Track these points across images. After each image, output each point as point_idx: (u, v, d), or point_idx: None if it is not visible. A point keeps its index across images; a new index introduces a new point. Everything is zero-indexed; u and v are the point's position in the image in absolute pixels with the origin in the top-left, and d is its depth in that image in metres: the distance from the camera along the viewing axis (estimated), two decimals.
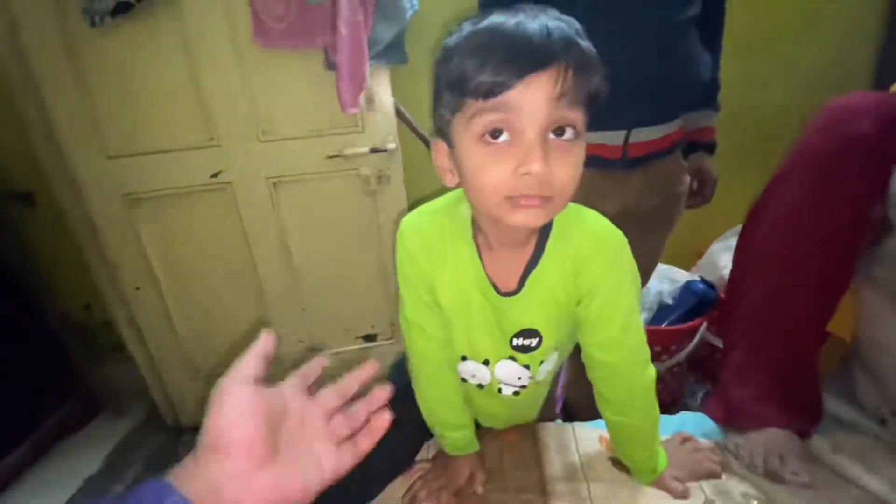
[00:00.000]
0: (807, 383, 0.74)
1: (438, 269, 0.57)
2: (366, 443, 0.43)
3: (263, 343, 0.41)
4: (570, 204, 0.54)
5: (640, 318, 0.59)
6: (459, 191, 0.56)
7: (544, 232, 0.55)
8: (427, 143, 1.33)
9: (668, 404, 1.45)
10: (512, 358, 0.62)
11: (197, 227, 1.29)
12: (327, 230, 1.36)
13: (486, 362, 0.63)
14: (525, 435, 0.72)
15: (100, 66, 1.12)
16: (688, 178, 1.02)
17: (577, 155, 0.45)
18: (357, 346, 1.55)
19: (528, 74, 0.41)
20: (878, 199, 0.68)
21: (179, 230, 1.29)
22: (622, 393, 0.59)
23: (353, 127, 1.25)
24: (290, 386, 0.42)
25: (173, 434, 1.49)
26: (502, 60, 0.41)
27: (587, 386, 0.61)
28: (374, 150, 1.26)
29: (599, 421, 0.74)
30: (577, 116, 0.44)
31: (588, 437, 0.70)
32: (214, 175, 1.24)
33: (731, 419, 0.73)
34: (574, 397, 1.31)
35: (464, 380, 0.67)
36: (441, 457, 0.69)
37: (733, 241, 1.50)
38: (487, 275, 0.57)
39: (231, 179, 1.25)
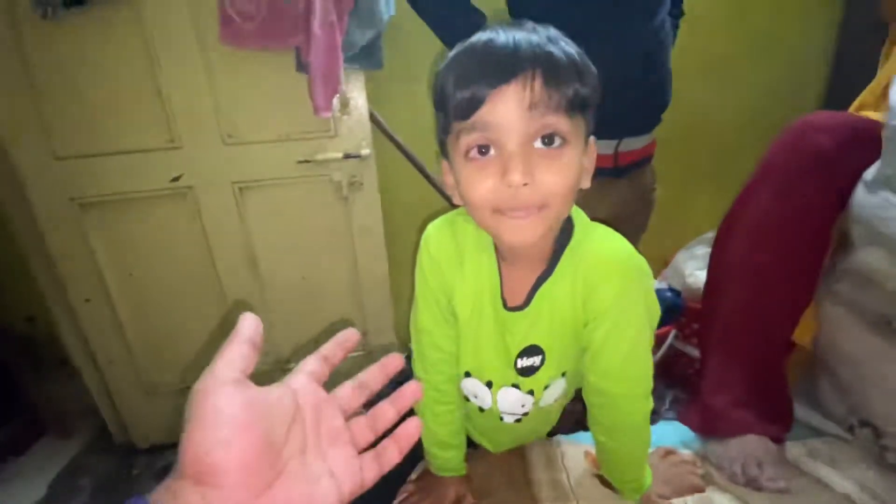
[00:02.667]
0: (779, 390, 0.76)
1: (459, 276, 0.56)
2: (393, 453, 0.34)
3: (248, 326, 0.31)
4: (591, 222, 0.55)
5: (649, 350, 0.56)
6: None
7: (559, 247, 0.53)
8: (403, 150, 1.31)
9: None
10: (515, 386, 0.59)
11: (154, 235, 1.21)
12: (297, 238, 1.31)
13: (489, 384, 0.61)
14: (512, 452, 0.70)
15: (49, 61, 1.03)
16: (655, 186, 1.06)
17: (569, 162, 0.45)
18: None
19: (494, 88, 0.42)
20: (840, 215, 0.71)
21: (135, 238, 1.20)
22: (617, 421, 0.58)
23: (325, 132, 1.21)
24: (304, 374, 0.33)
25: (125, 456, 1.38)
26: (471, 79, 0.43)
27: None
28: (347, 156, 1.22)
29: (583, 434, 0.74)
30: (563, 123, 0.43)
31: (574, 453, 0.69)
32: (175, 179, 1.17)
33: (708, 427, 0.74)
34: None
35: (466, 398, 0.65)
36: (426, 478, 0.67)
37: (698, 250, 1.56)
38: (502, 287, 0.55)
39: (192, 184, 1.18)
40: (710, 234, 1.57)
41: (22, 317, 1.40)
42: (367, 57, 1.14)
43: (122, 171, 1.13)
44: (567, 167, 0.45)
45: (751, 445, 0.68)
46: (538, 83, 0.42)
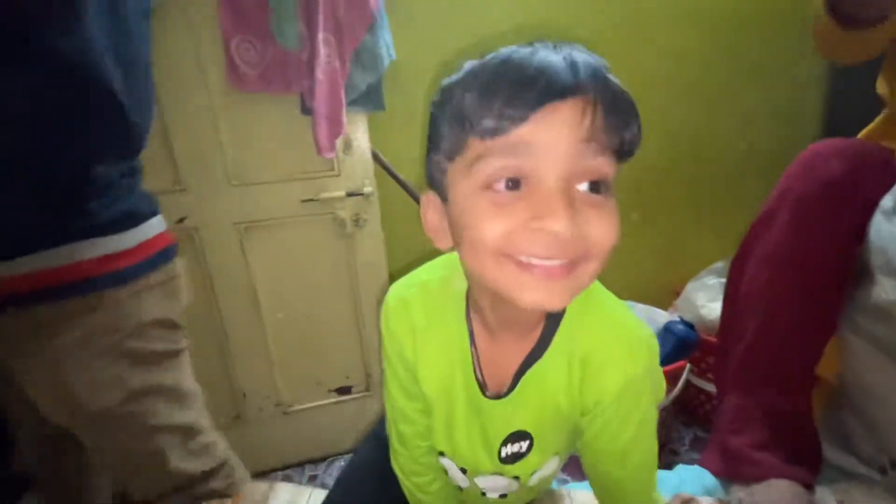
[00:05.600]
0: (803, 429, 0.72)
1: (422, 353, 0.48)
2: None
3: None
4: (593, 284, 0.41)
5: (654, 435, 0.48)
6: (454, 257, 0.48)
7: (554, 318, 0.43)
8: (405, 188, 1.32)
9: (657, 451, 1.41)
10: (498, 473, 0.52)
11: None
12: (300, 276, 1.30)
13: (463, 470, 0.55)
14: None
15: None
16: None
17: (615, 214, 0.36)
18: (330, 401, 1.45)
19: (546, 104, 0.32)
20: (858, 244, 0.68)
21: None
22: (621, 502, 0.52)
23: (328, 171, 1.23)
24: None
25: None
26: (514, 88, 0.32)
27: None
28: (350, 194, 1.24)
29: None
30: (611, 171, 0.35)
31: (585, 501, 0.65)
32: (180, 220, 1.18)
33: (731, 471, 0.70)
34: None
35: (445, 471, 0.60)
36: None
37: (707, 280, 1.52)
38: (477, 369, 0.46)
39: (197, 225, 1.19)
40: (720, 265, 1.54)
41: None
42: (369, 99, 1.17)
43: None
44: (615, 220, 0.36)
45: (779, 491, 0.64)
46: (600, 110, 0.33)
